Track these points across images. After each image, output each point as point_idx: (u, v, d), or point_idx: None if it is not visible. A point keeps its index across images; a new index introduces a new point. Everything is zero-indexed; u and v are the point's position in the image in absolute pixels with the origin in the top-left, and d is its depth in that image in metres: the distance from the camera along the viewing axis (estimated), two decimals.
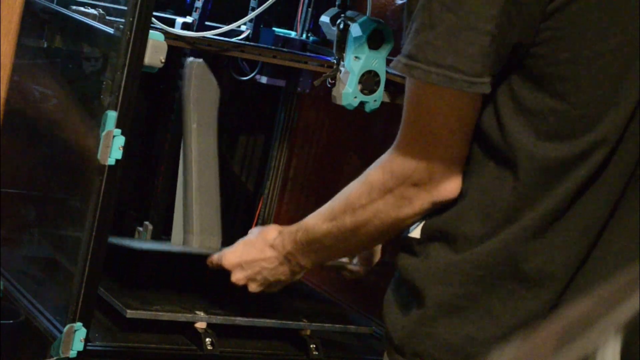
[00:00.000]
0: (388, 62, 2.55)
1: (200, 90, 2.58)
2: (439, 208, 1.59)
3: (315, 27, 2.82)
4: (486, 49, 1.47)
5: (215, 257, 2.07)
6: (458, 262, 1.54)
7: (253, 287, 1.98)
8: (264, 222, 3.01)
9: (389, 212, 1.61)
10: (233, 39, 2.56)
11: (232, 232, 3.04)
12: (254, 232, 1.99)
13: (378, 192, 1.62)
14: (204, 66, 2.59)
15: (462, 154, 1.56)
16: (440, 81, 1.50)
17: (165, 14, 2.61)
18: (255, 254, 1.94)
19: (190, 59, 2.58)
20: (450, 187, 1.56)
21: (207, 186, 2.39)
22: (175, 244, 2.45)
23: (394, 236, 1.68)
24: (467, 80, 1.48)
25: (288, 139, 2.96)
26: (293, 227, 1.86)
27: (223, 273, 2.10)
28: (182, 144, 2.56)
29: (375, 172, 1.65)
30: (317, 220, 1.77)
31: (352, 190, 1.68)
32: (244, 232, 2.97)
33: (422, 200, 1.58)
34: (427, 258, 1.59)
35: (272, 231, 1.93)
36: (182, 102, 2.59)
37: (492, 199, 1.54)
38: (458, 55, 1.48)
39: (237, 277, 1.99)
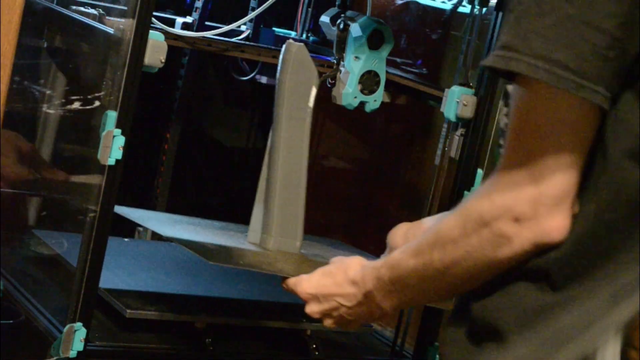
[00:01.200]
0: (388, 62, 2.55)
1: (296, 77, 2.29)
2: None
3: (315, 27, 2.83)
4: (602, 50, 1.25)
5: (290, 282, 1.84)
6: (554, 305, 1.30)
7: (328, 323, 1.76)
8: None
9: (483, 251, 1.34)
10: (233, 39, 2.56)
11: None
12: (335, 261, 1.75)
13: (473, 224, 1.34)
14: (304, 51, 2.30)
15: (573, 185, 1.30)
16: (548, 78, 1.24)
17: (165, 14, 2.61)
18: (334, 288, 1.70)
19: (290, 41, 2.30)
20: (558, 225, 1.30)
21: (293, 184, 2.08)
22: (250, 243, 2.19)
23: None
24: (575, 81, 1.25)
25: None
26: (377, 262, 1.59)
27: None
28: (270, 133, 2.25)
29: (473, 201, 1.36)
30: (404, 255, 1.48)
31: (445, 221, 1.40)
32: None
33: (523, 240, 1.31)
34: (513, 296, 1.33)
35: (354, 264, 1.68)
36: (276, 87, 2.30)
37: None
38: (567, 50, 1.24)
39: (312, 309, 1.77)
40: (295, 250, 2.06)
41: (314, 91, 2.17)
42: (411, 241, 1.49)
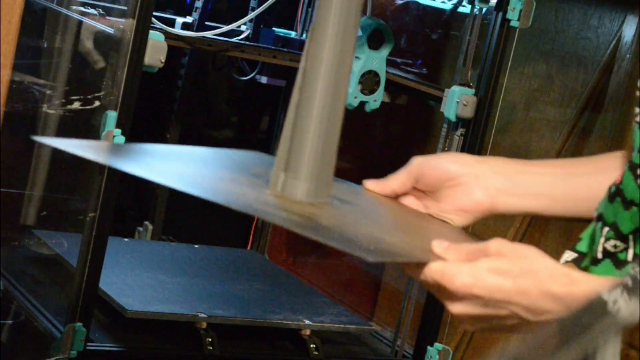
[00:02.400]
0: (388, 62, 2.55)
1: None
2: None
3: None
4: None
5: (438, 270, 1.15)
6: None
7: (473, 327, 1.21)
8: (264, 222, 3.00)
9: None
10: (233, 39, 2.56)
11: (232, 233, 3.04)
12: (509, 252, 1.15)
13: None
14: None
15: None
16: None
17: (165, 14, 2.61)
18: (517, 295, 1.14)
19: None
20: None
21: (332, 116, 1.44)
22: (272, 190, 1.40)
23: None
24: None
25: None
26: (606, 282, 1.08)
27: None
28: (305, 47, 1.49)
29: None
30: None
31: None
32: (243, 234, 2.98)
33: None
34: None
35: (557, 272, 1.14)
36: None
37: None
38: None
39: (465, 310, 1.15)
40: (327, 199, 1.42)
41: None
42: None
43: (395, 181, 1.32)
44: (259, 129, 3.03)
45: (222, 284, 2.53)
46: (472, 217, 1.33)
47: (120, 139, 2.08)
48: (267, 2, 2.47)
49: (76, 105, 2.35)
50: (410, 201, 1.32)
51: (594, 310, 1.02)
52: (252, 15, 2.59)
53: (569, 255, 1.29)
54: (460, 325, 1.17)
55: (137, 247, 2.69)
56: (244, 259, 2.82)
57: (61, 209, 2.45)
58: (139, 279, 2.42)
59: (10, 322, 2.26)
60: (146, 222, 2.78)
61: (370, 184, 1.35)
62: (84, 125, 2.28)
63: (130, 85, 2.07)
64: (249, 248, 2.99)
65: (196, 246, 2.80)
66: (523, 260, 1.15)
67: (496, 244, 1.13)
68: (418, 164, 1.31)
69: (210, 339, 2.28)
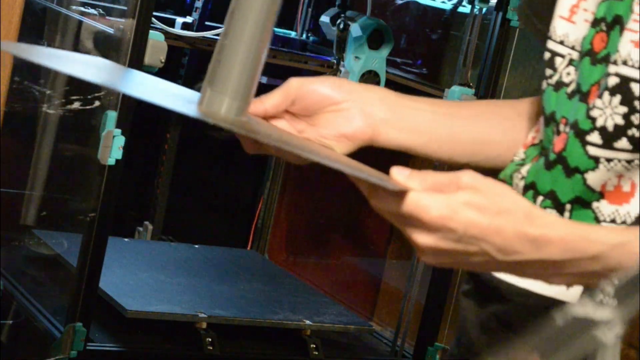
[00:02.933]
0: (388, 62, 2.55)
1: None
2: None
3: (315, 27, 2.83)
4: None
5: (413, 199, 1.03)
6: None
7: (435, 260, 1.08)
8: (264, 222, 3.01)
9: None
10: None
11: (232, 233, 3.04)
12: (479, 185, 1.05)
13: None
14: None
15: None
16: None
17: (165, 14, 2.61)
18: (492, 233, 1.05)
19: None
20: None
21: (261, 38, 1.25)
22: (199, 106, 1.29)
23: None
24: None
25: None
26: (590, 230, 1.08)
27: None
28: None
29: None
30: None
31: None
32: (244, 234, 2.98)
33: None
34: None
35: (536, 212, 1.06)
36: None
37: None
38: None
39: (427, 241, 1.04)
40: (246, 117, 1.32)
41: None
42: None
43: (270, 101, 1.22)
44: None
45: (222, 284, 2.53)
46: (352, 145, 1.27)
47: (120, 139, 2.08)
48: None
49: (76, 105, 2.35)
50: (282, 124, 1.23)
51: None
52: None
53: None
54: (422, 257, 1.08)
55: (137, 247, 2.69)
56: (244, 259, 2.82)
57: (61, 209, 2.45)
58: (139, 279, 2.42)
59: (10, 322, 2.26)
60: (146, 222, 2.78)
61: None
62: (84, 125, 2.28)
63: None
64: (249, 248, 2.99)
65: (196, 246, 2.80)
66: (500, 198, 1.07)
67: (468, 177, 1.04)
68: (297, 86, 1.23)
69: (210, 339, 2.28)
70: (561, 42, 1.23)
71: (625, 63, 1.12)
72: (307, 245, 3.11)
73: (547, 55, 1.23)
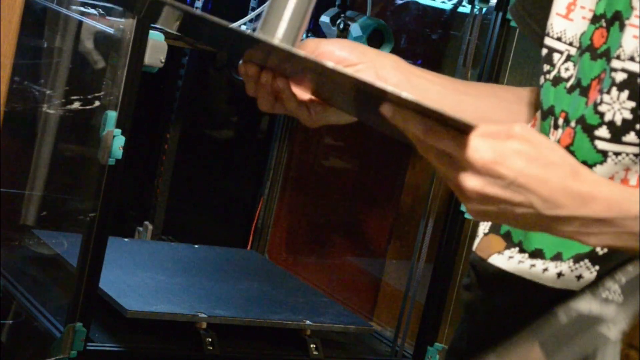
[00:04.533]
0: None
1: None
2: None
3: (315, 27, 2.82)
4: None
5: (474, 139, 1.03)
6: None
7: (479, 207, 1.06)
8: (264, 222, 3.01)
9: None
10: None
11: (232, 233, 3.04)
12: (551, 145, 1.06)
13: None
14: None
15: None
16: None
17: None
18: (542, 185, 1.04)
19: None
20: None
21: None
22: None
23: None
24: None
25: (288, 139, 2.96)
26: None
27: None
28: None
29: None
30: None
31: None
32: (244, 234, 2.98)
33: None
34: None
35: (586, 172, 1.07)
36: None
37: None
38: None
39: (476, 186, 1.04)
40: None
41: None
42: None
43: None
44: (259, 129, 3.03)
45: (222, 284, 2.53)
46: None
47: (120, 139, 2.08)
48: (267, 2, 2.47)
49: (76, 105, 2.35)
50: None
51: None
52: (252, 15, 2.59)
53: None
54: (467, 204, 1.06)
55: (137, 247, 2.69)
56: (244, 259, 2.82)
57: (61, 209, 2.45)
58: (139, 279, 2.42)
59: (10, 322, 2.26)
60: (146, 222, 2.78)
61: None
62: (84, 125, 2.28)
63: (130, 85, 2.07)
64: (249, 248, 2.99)
65: (196, 246, 2.80)
66: (549, 151, 1.07)
67: (520, 128, 1.04)
68: (314, 46, 1.25)
69: (210, 339, 2.28)
70: (559, 39, 1.25)
71: (632, 59, 1.14)
72: (307, 245, 3.11)
73: (544, 51, 1.26)
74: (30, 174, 2.50)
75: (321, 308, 2.54)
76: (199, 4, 2.58)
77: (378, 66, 1.27)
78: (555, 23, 1.25)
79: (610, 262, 1.22)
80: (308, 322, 2.41)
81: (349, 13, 2.53)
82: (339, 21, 2.51)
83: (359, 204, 3.04)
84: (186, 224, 2.97)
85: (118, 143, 2.08)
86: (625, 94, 1.14)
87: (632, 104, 1.13)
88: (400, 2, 2.87)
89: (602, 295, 1.22)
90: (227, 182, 3.05)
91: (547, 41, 1.26)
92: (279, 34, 1.24)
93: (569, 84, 1.21)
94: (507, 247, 1.27)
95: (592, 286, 1.24)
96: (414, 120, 1.04)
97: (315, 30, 2.83)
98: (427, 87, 1.31)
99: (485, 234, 1.30)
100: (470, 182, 1.03)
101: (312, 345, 2.39)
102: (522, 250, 1.25)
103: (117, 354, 2.23)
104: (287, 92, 1.25)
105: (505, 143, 1.03)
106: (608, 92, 1.15)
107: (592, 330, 1.27)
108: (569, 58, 1.23)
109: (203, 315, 2.30)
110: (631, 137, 1.14)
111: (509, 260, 1.26)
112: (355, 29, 2.48)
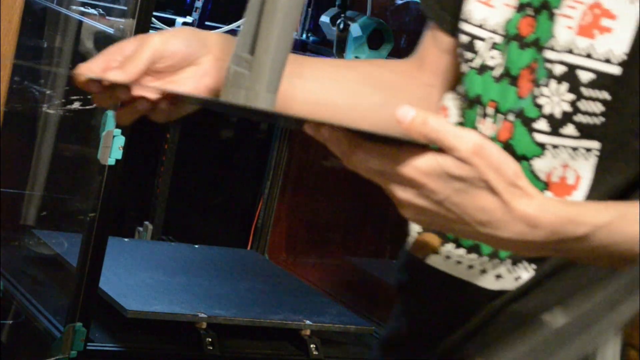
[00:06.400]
0: None
1: None
2: None
3: (315, 27, 2.82)
4: None
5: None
6: None
7: (414, 216, 1.04)
8: (264, 222, 3.01)
9: None
10: None
11: (232, 233, 3.04)
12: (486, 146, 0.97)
13: None
14: None
15: None
16: None
17: (165, 14, 2.61)
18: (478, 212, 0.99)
19: None
20: None
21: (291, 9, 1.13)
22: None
23: None
24: None
25: (288, 139, 2.96)
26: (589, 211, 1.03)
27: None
28: None
29: None
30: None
31: None
32: (244, 234, 2.98)
33: None
34: None
35: (531, 194, 0.99)
36: None
37: None
38: None
39: (409, 199, 1.00)
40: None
41: None
42: None
43: (137, 69, 1.16)
44: (259, 129, 3.03)
45: (222, 284, 2.53)
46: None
47: (120, 139, 2.08)
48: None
49: (76, 105, 2.35)
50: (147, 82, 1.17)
51: None
52: None
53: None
54: (400, 209, 1.03)
55: (137, 247, 2.69)
56: (244, 259, 2.82)
57: (61, 209, 2.45)
58: (139, 279, 2.42)
59: (10, 322, 2.26)
60: (146, 222, 2.77)
61: (88, 67, 1.19)
62: (84, 125, 2.28)
63: None
64: (249, 248, 2.99)
65: (196, 246, 2.80)
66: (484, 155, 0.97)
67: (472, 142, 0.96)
68: (157, 47, 1.17)
69: (210, 339, 2.28)
70: (480, 26, 1.23)
71: (570, 52, 1.12)
72: (307, 245, 3.11)
73: (464, 38, 1.23)
74: (30, 174, 2.50)
75: (321, 308, 2.54)
76: (199, 4, 2.58)
77: (222, 54, 1.18)
78: (475, 10, 1.23)
79: (547, 261, 1.18)
80: (308, 322, 2.41)
81: (349, 13, 2.53)
82: (339, 21, 2.51)
83: (359, 204, 3.04)
84: (186, 224, 2.97)
85: (118, 143, 2.08)
86: (564, 86, 1.13)
87: (572, 97, 1.12)
88: (400, 2, 2.87)
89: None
90: (227, 182, 3.05)
91: (467, 27, 1.23)
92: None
93: (496, 73, 1.20)
94: (443, 243, 1.23)
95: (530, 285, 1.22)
96: (338, 140, 0.99)
97: (316, 30, 2.83)
98: None
99: (419, 233, 1.27)
100: (401, 193, 1.00)
101: (311, 345, 2.39)
102: (458, 246, 1.21)
103: (117, 354, 2.23)
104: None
105: (443, 157, 0.96)
106: (547, 85, 1.13)
107: (534, 321, 1.26)
108: (494, 46, 1.21)
109: (203, 315, 2.30)
110: (570, 129, 1.13)
111: (446, 261, 1.23)
112: (355, 29, 2.48)
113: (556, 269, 1.18)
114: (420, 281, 1.28)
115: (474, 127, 1.20)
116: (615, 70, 1.10)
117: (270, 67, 1.08)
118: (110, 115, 2.08)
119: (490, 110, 1.19)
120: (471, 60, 1.22)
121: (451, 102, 1.27)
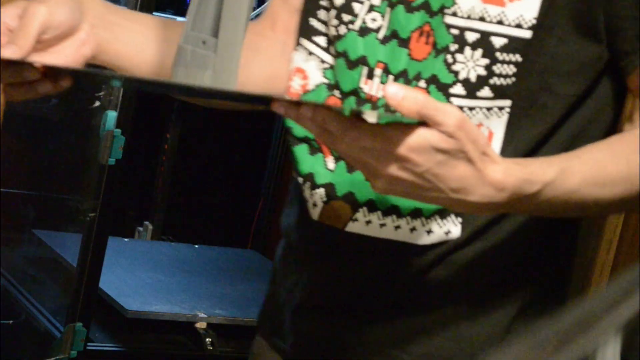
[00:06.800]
0: None
1: None
2: None
3: None
4: None
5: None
6: None
7: (384, 191, 1.06)
8: (264, 223, 3.01)
9: None
10: None
11: (232, 233, 3.04)
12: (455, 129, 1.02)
13: None
14: None
15: None
16: None
17: (165, 14, 2.61)
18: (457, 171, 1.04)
19: None
20: None
21: None
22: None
23: None
24: None
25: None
26: (535, 169, 1.10)
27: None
28: None
29: None
30: (581, 182, 1.13)
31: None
32: (244, 234, 2.98)
33: None
34: None
35: (497, 160, 1.07)
36: None
37: None
38: None
39: (391, 172, 1.02)
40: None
41: None
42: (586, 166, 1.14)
43: (30, 40, 1.11)
44: (259, 129, 3.03)
45: (222, 284, 2.53)
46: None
47: (120, 139, 2.08)
48: (267, 2, 2.47)
49: (76, 105, 2.35)
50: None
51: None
52: (252, 15, 2.59)
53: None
54: (372, 181, 1.05)
55: (137, 247, 2.69)
56: (244, 259, 2.82)
57: (61, 209, 2.45)
58: (139, 279, 2.42)
59: (10, 322, 2.26)
60: (146, 222, 2.78)
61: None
62: (84, 125, 2.28)
63: None
64: (249, 248, 2.99)
65: (196, 246, 2.80)
66: (467, 134, 1.03)
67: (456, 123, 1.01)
68: (47, 14, 1.12)
69: (210, 339, 2.28)
70: None
71: (482, 19, 1.17)
72: None
73: (340, 1, 1.24)
74: (30, 174, 2.50)
75: None
76: None
77: (95, 21, 1.18)
78: None
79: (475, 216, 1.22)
80: None
81: None
82: None
83: None
84: (186, 224, 2.97)
85: (118, 143, 2.08)
86: (479, 52, 1.18)
87: (486, 61, 1.17)
88: None
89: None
90: (227, 182, 3.05)
91: None
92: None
93: (380, 35, 1.22)
94: (355, 211, 1.24)
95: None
96: (325, 120, 1.00)
97: None
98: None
99: (326, 202, 1.26)
100: (386, 168, 1.02)
101: None
102: (372, 210, 1.23)
103: (117, 353, 2.23)
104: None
105: (430, 131, 1.01)
106: (461, 52, 1.18)
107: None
108: (372, 8, 1.22)
109: (203, 315, 2.30)
110: (485, 92, 1.18)
111: (368, 226, 1.24)
112: None
113: (487, 222, 1.23)
114: (337, 249, 1.27)
115: (357, 87, 1.23)
116: (527, 34, 1.16)
117: (237, 49, 1.09)
118: (110, 115, 2.08)
119: (379, 71, 1.22)
120: (351, 23, 1.23)
121: (308, 64, 1.29)
